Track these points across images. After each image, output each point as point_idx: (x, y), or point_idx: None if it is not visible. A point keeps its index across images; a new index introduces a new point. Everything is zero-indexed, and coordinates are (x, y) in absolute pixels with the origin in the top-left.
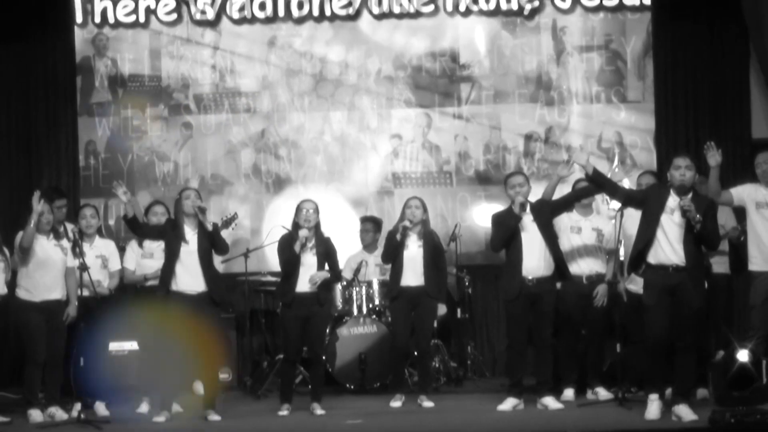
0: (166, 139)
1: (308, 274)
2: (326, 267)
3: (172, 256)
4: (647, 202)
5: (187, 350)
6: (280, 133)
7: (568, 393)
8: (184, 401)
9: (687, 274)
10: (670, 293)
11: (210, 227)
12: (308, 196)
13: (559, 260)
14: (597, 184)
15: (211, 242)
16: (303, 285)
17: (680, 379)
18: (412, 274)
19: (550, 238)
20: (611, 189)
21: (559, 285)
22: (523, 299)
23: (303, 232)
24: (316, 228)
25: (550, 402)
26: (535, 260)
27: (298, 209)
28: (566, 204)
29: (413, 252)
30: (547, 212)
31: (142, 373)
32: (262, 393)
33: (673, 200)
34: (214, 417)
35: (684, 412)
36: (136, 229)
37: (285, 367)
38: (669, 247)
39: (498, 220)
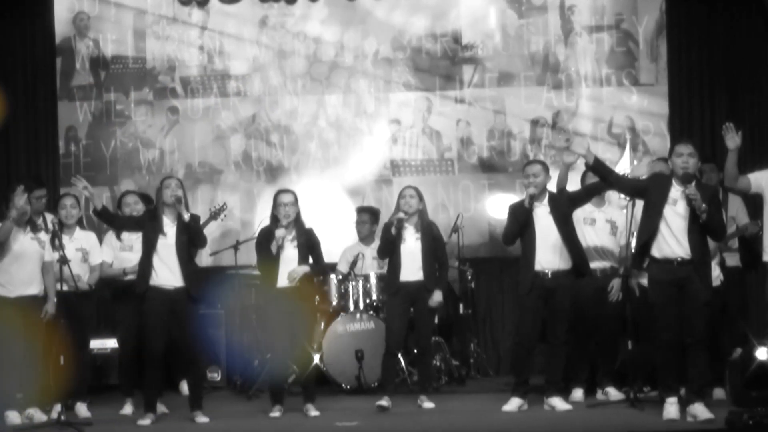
0: (152, 125)
1: (288, 269)
2: (309, 260)
3: (149, 248)
4: (649, 192)
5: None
6: (271, 118)
7: (577, 393)
8: (170, 402)
9: (693, 267)
10: (677, 288)
11: (187, 217)
12: (301, 184)
13: (577, 255)
14: (599, 175)
15: (188, 234)
16: (284, 280)
17: (693, 377)
18: (411, 269)
19: (567, 231)
20: (614, 180)
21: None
22: (536, 293)
23: (279, 232)
24: (297, 219)
25: (557, 403)
26: (549, 253)
27: (275, 202)
28: (588, 195)
29: (411, 245)
30: (565, 204)
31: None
32: (252, 393)
33: (675, 190)
34: (202, 419)
35: (699, 411)
36: (112, 221)
37: (272, 366)
38: (673, 240)
39: (512, 211)
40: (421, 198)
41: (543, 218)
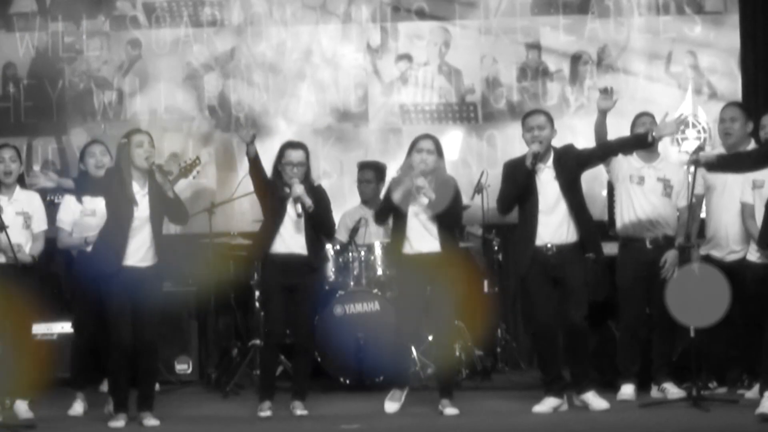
0: (108, 61)
1: (288, 231)
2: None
3: (122, 221)
4: None
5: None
6: (254, 54)
7: (627, 390)
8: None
9: None
10: None
11: (172, 194)
12: (290, 134)
13: (584, 229)
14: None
15: (167, 208)
16: (282, 245)
17: None
18: (425, 239)
19: (575, 198)
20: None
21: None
22: (538, 272)
23: (298, 189)
24: (306, 177)
25: (591, 399)
26: (554, 224)
27: (282, 157)
28: (604, 155)
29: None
30: (572, 163)
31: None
32: (231, 389)
33: None
34: (151, 421)
35: None
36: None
37: (266, 354)
38: None
39: (508, 170)
40: (440, 152)
41: (547, 183)
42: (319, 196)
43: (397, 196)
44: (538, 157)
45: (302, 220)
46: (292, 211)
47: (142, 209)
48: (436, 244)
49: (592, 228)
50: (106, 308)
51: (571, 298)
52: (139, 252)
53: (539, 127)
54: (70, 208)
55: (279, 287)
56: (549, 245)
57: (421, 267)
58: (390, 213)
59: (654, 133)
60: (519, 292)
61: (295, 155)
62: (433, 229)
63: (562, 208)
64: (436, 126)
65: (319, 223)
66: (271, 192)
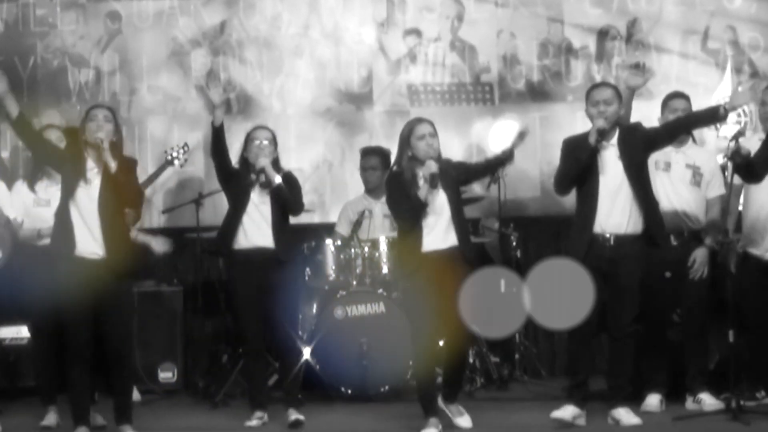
0: (84, 36)
1: (252, 223)
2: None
3: (68, 198)
4: None
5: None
6: (246, 28)
7: (652, 401)
8: (106, 409)
9: None
10: None
11: (113, 168)
12: (286, 116)
13: (651, 217)
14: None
15: (115, 189)
16: (244, 239)
17: None
18: (437, 233)
19: (640, 182)
20: None
21: None
22: (592, 265)
23: (262, 161)
24: (274, 163)
25: (623, 415)
26: (616, 212)
27: (247, 139)
28: (671, 135)
29: (437, 202)
30: (639, 143)
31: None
32: (220, 399)
33: None
34: None
35: None
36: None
37: (249, 361)
38: None
39: (569, 148)
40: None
41: (610, 163)
42: (288, 179)
43: (423, 194)
44: (604, 135)
45: (268, 210)
46: (256, 198)
47: (92, 188)
48: (452, 237)
49: (659, 218)
50: (61, 307)
51: (623, 297)
52: (89, 239)
53: (605, 101)
54: (21, 196)
55: (246, 287)
56: (607, 235)
57: (437, 266)
58: (422, 211)
59: (726, 105)
60: None
61: (261, 133)
62: (451, 224)
63: (626, 193)
64: (448, 108)
65: (284, 202)
66: (236, 181)
